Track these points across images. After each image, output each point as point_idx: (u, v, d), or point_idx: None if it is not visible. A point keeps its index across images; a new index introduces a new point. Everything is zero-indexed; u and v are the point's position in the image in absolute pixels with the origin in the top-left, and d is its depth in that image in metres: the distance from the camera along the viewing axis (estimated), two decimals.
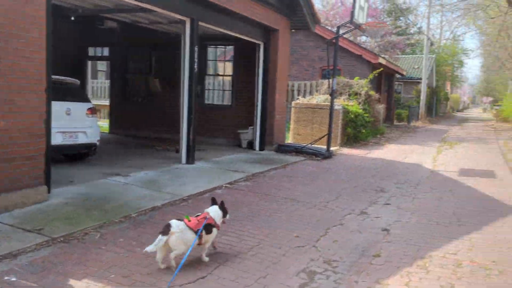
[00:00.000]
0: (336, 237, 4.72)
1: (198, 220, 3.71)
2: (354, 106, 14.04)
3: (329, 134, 10.80)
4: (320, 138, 11.26)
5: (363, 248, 4.42)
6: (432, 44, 31.51)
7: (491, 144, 15.91)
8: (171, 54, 10.84)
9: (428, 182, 8.21)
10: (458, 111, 67.32)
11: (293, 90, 17.46)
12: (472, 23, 40.36)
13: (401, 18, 42.86)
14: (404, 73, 25.65)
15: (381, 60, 19.06)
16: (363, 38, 35.13)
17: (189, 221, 3.66)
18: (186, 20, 7.75)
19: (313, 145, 11.47)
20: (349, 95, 15.42)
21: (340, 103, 13.92)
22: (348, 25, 10.62)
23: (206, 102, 12.54)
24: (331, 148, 11.55)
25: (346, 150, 12.48)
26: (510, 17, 16.06)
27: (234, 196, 6.10)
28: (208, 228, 3.75)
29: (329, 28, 27.83)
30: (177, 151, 8.40)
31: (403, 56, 39.00)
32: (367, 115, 14.74)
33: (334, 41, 11.02)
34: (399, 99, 32.63)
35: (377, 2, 42.00)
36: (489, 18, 18.90)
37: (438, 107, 42.82)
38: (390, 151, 12.86)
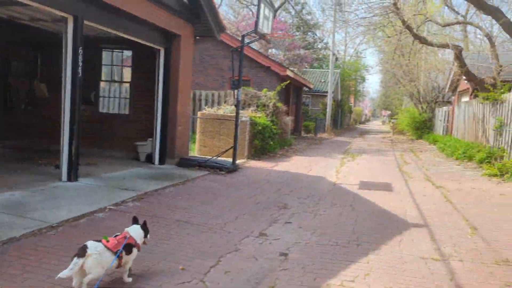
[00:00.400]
0: (229, 267, 4.19)
1: (117, 241, 3.54)
2: (262, 118, 13.84)
3: (234, 147, 10.38)
4: (226, 151, 10.79)
5: (256, 279, 3.94)
6: (337, 59, 33.02)
7: (389, 156, 16.75)
8: (60, 56, 9.66)
9: (330, 197, 8.10)
10: (360, 123, 71.84)
11: (200, 100, 16.89)
12: (372, 41, 43.31)
13: (309, 33, 44.63)
14: (312, 86, 26.41)
15: (289, 73, 19.29)
16: (273, 51, 35.84)
17: (108, 241, 3.47)
18: (68, 17, 6.81)
19: (218, 158, 10.96)
20: (257, 106, 15.25)
21: (248, 114, 13.64)
22: (253, 34, 10.32)
23: (101, 110, 11.44)
24: (238, 161, 11.14)
25: (253, 163, 12.17)
26: (404, 37, 17.12)
27: (117, 221, 5.31)
28: (128, 248, 3.60)
29: (240, 38, 27.85)
30: (57, 166, 7.33)
31: (311, 69, 40.53)
32: (274, 127, 14.65)
33: (239, 50, 10.65)
34: (307, 111, 33.65)
35: (286, 16, 43.36)
36: (386, 37, 20.07)
37: (343, 119, 45.09)
38: (297, 163, 12.83)
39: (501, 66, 15.63)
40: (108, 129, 11.00)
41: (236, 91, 10.61)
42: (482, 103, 14.14)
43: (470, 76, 15.30)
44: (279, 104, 15.38)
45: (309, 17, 43.92)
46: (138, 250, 3.73)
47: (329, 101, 29.71)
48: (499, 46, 17.06)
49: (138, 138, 10.63)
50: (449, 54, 27.98)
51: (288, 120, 17.47)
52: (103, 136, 10.88)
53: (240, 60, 10.35)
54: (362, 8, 31.77)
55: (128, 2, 7.87)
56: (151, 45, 9.66)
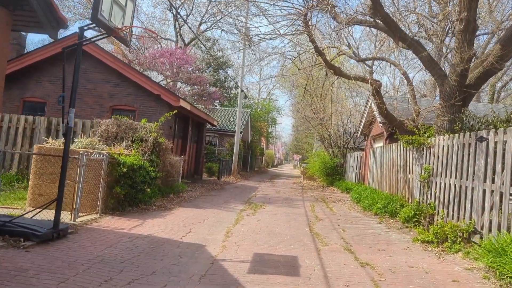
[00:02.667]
0: None
1: None
2: (132, 156, 10.24)
3: (58, 198, 6.58)
4: (48, 204, 6.92)
5: None
6: (246, 97, 30.71)
7: (298, 207, 13.93)
8: None
9: None
10: (273, 166, 70.53)
11: (58, 130, 12.84)
12: (282, 81, 42.26)
13: (220, 71, 42.37)
14: (216, 123, 23.41)
15: (183, 104, 16.03)
16: (180, 84, 32.64)
17: None
18: None
19: (35, 215, 7.08)
20: (133, 141, 11.64)
21: (118, 150, 10.00)
22: (96, 27, 6.87)
23: None
24: (83, 218, 7.41)
25: (106, 221, 8.42)
26: (318, 68, 14.89)
27: None
28: None
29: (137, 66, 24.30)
30: None
31: (221, 108, 37.90)
32: (152, 168, 11.09)
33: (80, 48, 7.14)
34: (214, 151, 30.53)
35: (197, 52, 40.72)
36: (297, 70, 17.91)
37: (253, 162, 42.69)
38: (174, 221, 9.32)
39: (419, 108, 13.89)
40: None
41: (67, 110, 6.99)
42: (405, 148, 11.98)
43: (389, 117, 13.27)
44: (162, 140, 11.91)
45: (219, 53, 41.74)
46: None
47: (236, 140, 26.89)
48: (416, 88, 15.53)
49: None
50: (360, 96, 26.97)
51: (178, 160, 14.01)
52: None
53: (76, 63, 6.86)
54: (274, 34, 30.20)
55: None
56: None
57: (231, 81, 42.49)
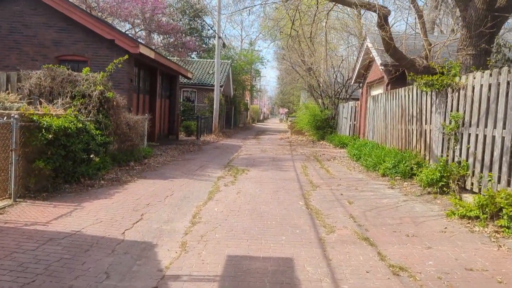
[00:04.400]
0: None
1: None
2: (64, 117, 7.62)
3: None
4: None
5: None
6: (224, 45, 27.63)
7: (288, 170, 11.60)
8: None
9: None
10: (258, 121, 68.13)
11: None
12: (267, 32, 39.02)
13: (196, 19, 38.73)
14: (190, 75, 20.57)
15: (144, 50, 13.18)
16: (155, 37, 29.26)
17: None
18: None
19: None
20: (73, 97, 8.96)
21: (43, 110, 7.39)
22: None
23: None
24: None
25: (19, 211, 5.95)
26: (306, 2, 12.11)
27: None
28: None
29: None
30: None
31: (199, 60, 34.75)
32: (99, 132, 8.52)
33: None
34: (192, 108, 27.82)
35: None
36: (282, 14, 15.02)
37: (237, 117, 40.14)
38: (125, 200, 6.90)
39: (430, 45, 11.35)
40: None
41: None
42: (421, 92, 9.53)
43: (397, 55, 10.72)
44: (110, 94, 9.22)
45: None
46: None
47: (216, 94, 24.15)
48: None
49: None
50: (350, 46, 24.20)
51: (140, 120, 11.39)
52: None
53: None
54: None
55: None
56: None
57: (208, 29, 38.97)
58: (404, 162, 9.57)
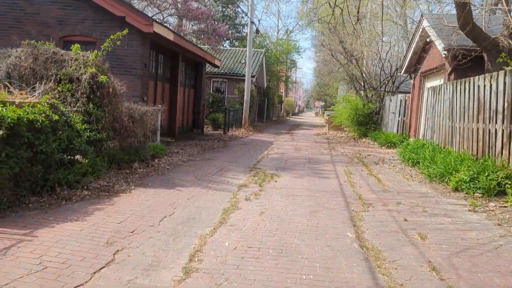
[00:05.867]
0: None
1: None
2: (30, 106, 5.70)
3: None
4: None
5: None
6: (257, 31, 25.44)
7: (327, 176, 9.36)
8: None
9: None
10: (293, 114, 65.66)
11: None
12: (304, 22, 36.59)
13: (230, 6, 36.72)
14: (218, 62, 18.55)
15: (159, 29, 11.22)
16: (184, 22, 27.45)
17: None
18: None
19: None
20: (58, 81, 7.08)
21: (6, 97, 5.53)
22: None
23: None
24: None
25: None
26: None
27: None
28: None
29: None
30: None
31: (231, 48, 32.72)
32: (86, 126, 6.61)
33: None
34: (222, 100, 25.86)
35: None
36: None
37: (271, 110, 37.97)
38: (103, 223, 4.94)
39: None
40: None
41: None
42: None
43: (475, 33, 8.21)
44: (103, 78, 7.23)
45: None
46: None
47: (247, 85, 22.05)
48: None
49: None
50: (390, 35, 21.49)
51: (150, 111, 9.43)
52: None
53: None
54: None
55: None
56: None
57: (242, 17, 36.89)
58: (486, 173, 7.15)
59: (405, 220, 5.89)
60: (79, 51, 7.42)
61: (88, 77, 7.01)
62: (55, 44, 10.40)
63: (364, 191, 7.80)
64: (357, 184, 8.54)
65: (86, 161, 6.83)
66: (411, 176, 9.58)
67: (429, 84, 15.32)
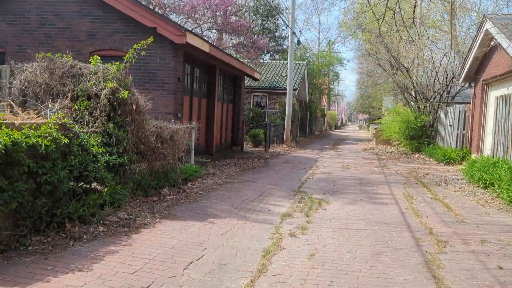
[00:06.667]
0: None
1: None
2: (32, 128, 4.84)
3: None
4: None
5: None
6: (299, 42, 24.35)
7: (384, 200, 8.01)
8: None
9: None
10: (336, 128, 63.84)
11: None
12: (347, 33, 35.29)
13: (270, 19, 35.99)
14: (258, 75, 17.61)
15: (193, 40, 10.36)
16: (226, 37, 26.90)
17: None
18: None
19: None
20: (75, 98, 6.27)
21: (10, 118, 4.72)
22: None
23: None
24: None
25: None
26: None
27: None
28: None
29: None
30: None
31: (271, 61, 31.84)
32: (105, 150, 5.71)
33: None
34: (261, 114, 24.85)
35: None
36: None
37: (313, 124, 36.59)
38: (105, 279, 3.89)
39: None
40: None
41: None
42: None
43: None
44: (124, 94, 6.31)
45: None
46: None
47: (288, 99, 20.96)
48: None
49: None
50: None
51: (182, 129, 8.49)
52: None
53: None
54: None
55: None
56: None
57: (283, 29, 36.00)
58: None
59: (500, 268, 4.51)
60: (99, 63, 6.60)
61: (108, 93, 6.14)
62: (84, 59, 9.77)
63: (434, 223, 6.41)
64: (422, 212, 7.15)
65: (105, 189, 5.92)
66: (486, 202, 8.04)
67: (494, 92, 13.59)
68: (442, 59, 17.93)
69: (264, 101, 26.75)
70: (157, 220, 5.93)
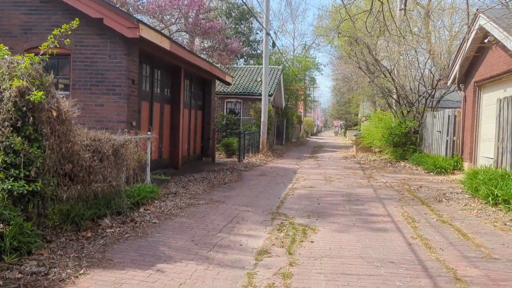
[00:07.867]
0: None
1: None
2: None
3: None
4: None
5: None
6: (274, 45, 22.92)
7: (383, 228, 6.50)
8: None
9: None
10: (312, 134, 62.82)
11: None
12: (321, 39, 34.28)
13: (243, 22, 34.58)
14: (229, 79, 16.02)
15: (148, 34, 8.68)
16: (197, 40, 25.21)
17: None
18: None
19: None
20: None
21: None
22: None
23: None
24: None
25: None
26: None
27: None
28: None
29: None
30: None
31: (245, 66, 30.35)
32: (9, 173, 3.90)
33: None
34: (236, 122, 23.26)
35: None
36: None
37: (290, 131, 35.20)
38: None
39: None
40: None
41: None
42: None
43: None
44: (37, 96, 4.58)
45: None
46: None
47: (263, 105, 19.44)
48: None
49: None
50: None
51: (127, 141, 6.77)
52: None
53: None
54: None
55: None
56: None
57: (257, 33, 34.64)
58: None
59: None
60: (5, 55, 4.86)
61: (13, 94, 4.42)
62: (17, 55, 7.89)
63: (453, 260, 4.93)
64: (433, 242, 5.66)
65: (7, 230, 4.18)
66: (505, 225, 6.64)
67: (488, 94, 12.43)
68: (427, 60, 16.77)
69: (238, 107, 25.16)
70: (81, 271, 4.21)
